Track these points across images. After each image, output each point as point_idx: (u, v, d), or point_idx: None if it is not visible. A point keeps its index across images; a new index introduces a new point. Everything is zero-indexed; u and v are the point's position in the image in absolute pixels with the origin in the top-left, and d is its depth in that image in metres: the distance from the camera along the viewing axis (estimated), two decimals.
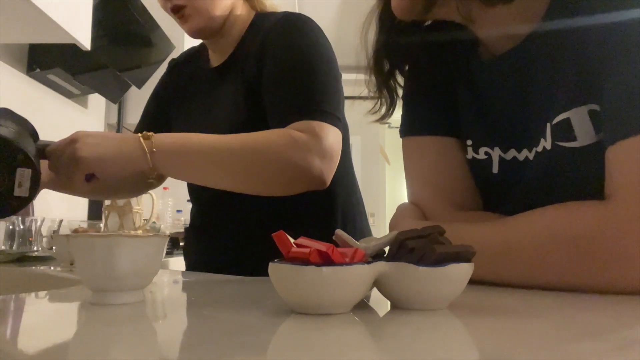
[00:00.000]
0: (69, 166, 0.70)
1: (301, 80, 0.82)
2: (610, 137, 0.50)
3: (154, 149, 0.72)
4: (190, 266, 1.04)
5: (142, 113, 1.10)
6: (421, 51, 0.71)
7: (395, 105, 0.72)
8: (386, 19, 0.67)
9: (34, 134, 0.71)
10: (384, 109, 0.72)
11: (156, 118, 1.07)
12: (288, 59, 0.85)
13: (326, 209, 0.93)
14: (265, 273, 0.40)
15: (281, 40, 0.87)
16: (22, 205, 0.62)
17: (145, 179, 0.75)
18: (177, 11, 0.89)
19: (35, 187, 0.63)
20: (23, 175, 0.61)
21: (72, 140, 0.71)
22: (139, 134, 0.73)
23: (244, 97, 0.89)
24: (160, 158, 0.73)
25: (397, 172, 5.73)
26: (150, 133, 0.74)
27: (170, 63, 1.11)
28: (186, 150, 0.75)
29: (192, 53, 1.08)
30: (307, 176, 0.77)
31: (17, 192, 0.61)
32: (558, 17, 0.57)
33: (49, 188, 0.86)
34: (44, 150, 0.72)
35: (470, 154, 0.67)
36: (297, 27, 0.88)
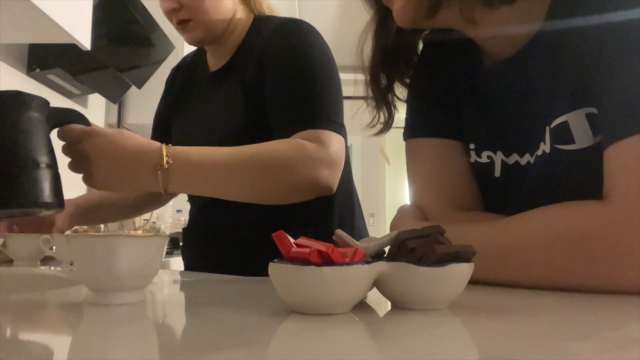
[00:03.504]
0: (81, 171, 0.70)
1: (304, 88, 0.83)
2: (609, 138, 0.50)
3: (169, 185, 0.71)
4: (190, 267, 1.04)
5: (154, 116, 1.13)
6: (421, 61, 0.71)
7: (393, 118, 0.72)
8: (382, 33, 0.67)
9: (44, 110, 0.62)
10: (382, 122, 0.72)
11: (163, 122, 1.09)
12: (290, 68, 0.85)
13: (324, 210, 0.94)
14: (264, 273, 0.40)
15: (282, 48, 0.87)
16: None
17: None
18: (180, 23, 0.89)
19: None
20: (48, 214, 0.62)
21: (83, 153, 0.67)
22: (157, 160, 0.70)
23: (242, 101, 0.89)
24: (175, 187, 0.73)
25: (397, 172, 5.73)
26: (168, 159, 0.71)
27: (172, 69, 1.13)
28: (201, 174, 0.74)
29: (192, 57, 1.10)
30: (316, 187, 0.79)
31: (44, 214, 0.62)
32: (558, 20, 0.57)
33: None
34: (58, 126, 0.67)
35: (473, 157, 0.67)
36: (296, 34, 0.89)
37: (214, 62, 0.99)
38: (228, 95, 0.92)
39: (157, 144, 0.72)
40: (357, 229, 1.01)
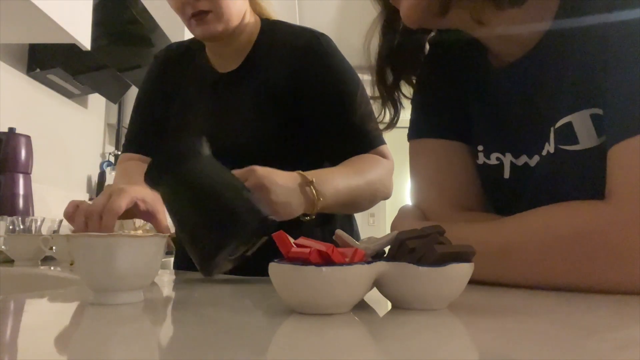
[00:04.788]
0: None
1: (358, 110, 0.89)
2: (613, 138, 0.50)
3: (321, 198, 0.74)
4: (181, 267, 1.02)
5: (134, 116, 1.04)
6: (428, 62, 0.71)
7: (399, 116, 0.72)
8: (389, 32, 0.67)
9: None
10: (387, 120, 0.72)
11: (158, 124, 1.01)
12: (340, 92, 0.90)
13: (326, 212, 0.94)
14: (265, 273, 0.40)
15: (326, 70, 0.91)
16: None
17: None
18: (196, 15, 0.86)
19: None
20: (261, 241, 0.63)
21: (258, 186, 0.67)
22: (302, 178, 0.72)
23: (270, 106, 0.89)
24: (321, 202, 0.75)
25: (398, 172, 5.69)
26: (311, 178, 0.73)
27: (158, 59, 1.05)
28: (338, 195, 0.78)
29: (183, 50, 1.03)
30: (388, 196, 0.93)
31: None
32: (566, 21, 0.57)
33: None
34: None
35: (482, 159, 0.67)
36: (333, 53, 0.93)
37: (221, 63, 0.96)
38: (248, 98, 0.91)
39: None
40: (355, 229, 1.03)
